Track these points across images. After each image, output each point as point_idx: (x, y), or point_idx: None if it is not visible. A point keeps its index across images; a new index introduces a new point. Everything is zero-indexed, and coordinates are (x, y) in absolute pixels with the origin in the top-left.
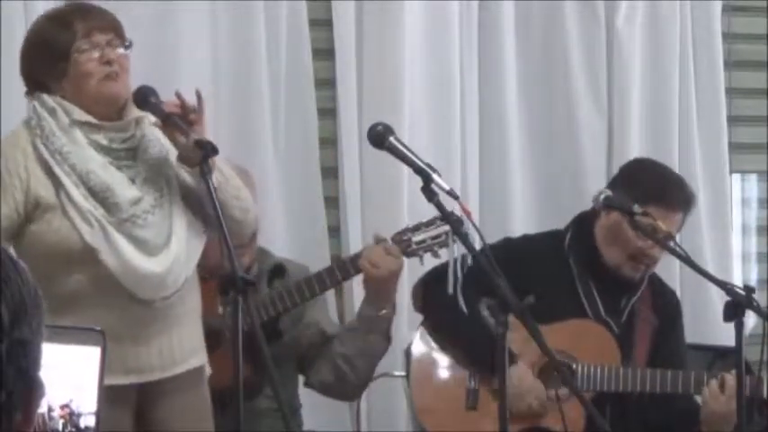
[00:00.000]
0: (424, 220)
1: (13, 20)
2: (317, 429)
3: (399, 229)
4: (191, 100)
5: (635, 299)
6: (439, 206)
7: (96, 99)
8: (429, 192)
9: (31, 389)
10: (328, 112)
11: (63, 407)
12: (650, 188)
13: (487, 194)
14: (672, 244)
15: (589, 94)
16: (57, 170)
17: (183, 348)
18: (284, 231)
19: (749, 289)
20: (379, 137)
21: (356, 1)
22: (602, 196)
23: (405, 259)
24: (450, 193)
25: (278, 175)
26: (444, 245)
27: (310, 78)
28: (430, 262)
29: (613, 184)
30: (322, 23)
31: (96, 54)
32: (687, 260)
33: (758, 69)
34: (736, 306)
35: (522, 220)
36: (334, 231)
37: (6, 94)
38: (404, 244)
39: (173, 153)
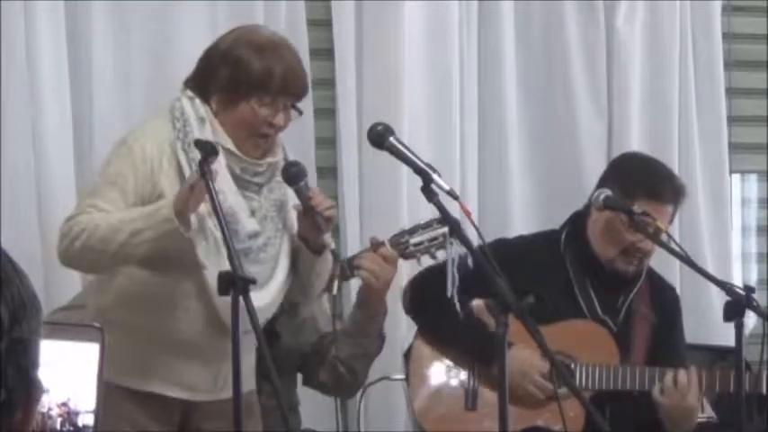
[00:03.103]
0: (422, 222)
1: (13, 20)
2: (314, 428)
3: (396, 232)
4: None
5: (632, 296)
6: (439, 206)
7: (239, 144)
8: (429, 192)
9: (31, 388)
10: (327, 112)
11: (61, 405)
12: (640, 182)
13: (486, 195)
14: (671, 242)
15: (589, 95)
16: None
17: None
18: None
19: (749, 289)
20: (380, 137)
21: (356, 1)
22: (602, 196)
23: (402, 261)
24: (451, 194)
25: None
26: (442, 247)
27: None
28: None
29: (603, 179)
30: (321, 23)
31: (268, 112)
32: (687, 260)
33: (758, 69)
34: (736, 306)
35: (522, 220)
36: (333, 232)
37: (6, 94)
38: (401, 246)
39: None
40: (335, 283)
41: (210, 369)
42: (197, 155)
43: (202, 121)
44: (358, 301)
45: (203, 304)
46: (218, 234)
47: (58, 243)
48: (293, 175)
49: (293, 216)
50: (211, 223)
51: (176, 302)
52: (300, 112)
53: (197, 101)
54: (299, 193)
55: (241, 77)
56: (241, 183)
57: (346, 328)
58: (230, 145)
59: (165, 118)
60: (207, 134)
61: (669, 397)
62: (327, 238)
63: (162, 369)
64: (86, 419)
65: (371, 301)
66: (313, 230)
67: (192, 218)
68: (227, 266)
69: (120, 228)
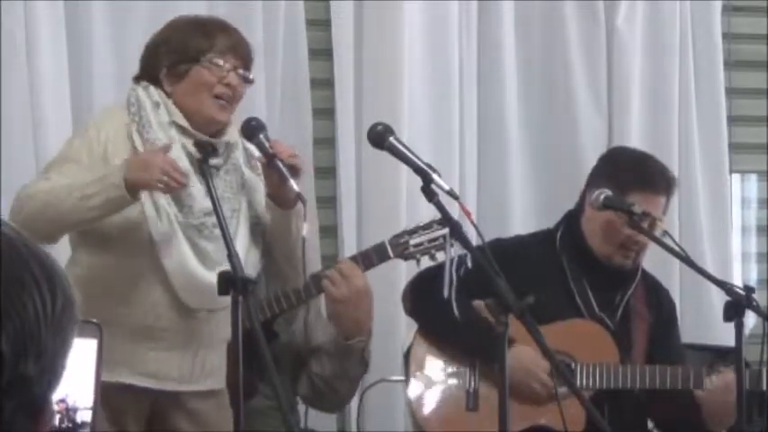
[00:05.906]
0: (422, 223)
1: (13, 20)
2: (315, 428)
3: (397, 232)
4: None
5: (629, 294)
6: (439, 206)
7: (199, 112)
8: (429, 192)
9: (37, 420)
10: (326, 113)
11: (59, 402)
12: (631, 174)
13: (486, 194)
14: (670, 241)
15: (589, 94)
16: None
17: (204, 368)
18: None
19: (749, 289)
20: (380, 137)
21: (355, 1)
22: (602, 197)
23: (402, 262)
24: (450, 193)
25: None
26: (441, 248)
27: (306, 78)
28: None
29: (595, 175)
30: (321, 23)
31: (221, 73)
32: (686, 260)
33: (758, 69)
34: (736, 306)
35: (521, 220)
36: (332, 231)
37: (6, 94)
38: (401, 247)
39: (253, 184)
40: (304, 226)
41: (177, 356)
42: (152, 135)
43: (157, 105)
44: (333, 322)
45: (161, 287)
46: (171, 211)
47: (9, 218)
48: (253, 128)
49: (259, 198)
50: (165, 201)
51: (135, 286)
52: (251, 81)
53: (151, 87)
54: (259, 145)
55: (184, 47)
56: (197, 165)
57: (328, 346)
58: (186, 123)
59: (120, 107)
60: (162, 117)
61: (719, 395)
62: (294, 184)
63: (127, 357)
64: (85, 416)
65: (339, 319)
66: (279, 182)
67: (147, 201)
68: (181, 246)
69: (70, 192)
